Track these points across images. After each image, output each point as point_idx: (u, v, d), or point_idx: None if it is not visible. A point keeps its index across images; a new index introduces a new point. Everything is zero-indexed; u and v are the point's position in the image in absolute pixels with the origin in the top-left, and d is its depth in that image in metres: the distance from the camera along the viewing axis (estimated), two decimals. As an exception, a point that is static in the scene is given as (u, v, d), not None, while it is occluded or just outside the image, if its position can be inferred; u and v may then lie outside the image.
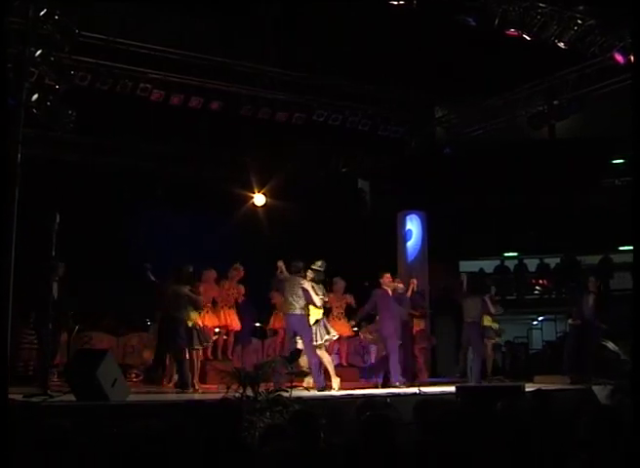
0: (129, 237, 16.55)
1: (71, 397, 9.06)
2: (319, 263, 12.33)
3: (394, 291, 13.81)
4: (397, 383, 12.78)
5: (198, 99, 13.87)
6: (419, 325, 15.55)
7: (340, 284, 15.44)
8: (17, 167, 8.05)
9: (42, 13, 9.94)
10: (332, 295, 15.39)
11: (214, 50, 13.79)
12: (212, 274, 13.87)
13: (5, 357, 5.14)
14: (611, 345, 11.82)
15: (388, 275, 13.91)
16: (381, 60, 13.88)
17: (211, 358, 14.00)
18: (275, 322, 15.14)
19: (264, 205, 18.39)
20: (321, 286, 12.34)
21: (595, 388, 11.54)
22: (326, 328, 12.19)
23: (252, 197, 18.33)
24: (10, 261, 5.10)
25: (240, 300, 14.36)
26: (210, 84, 13.96)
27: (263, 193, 18.29)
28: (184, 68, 13.65)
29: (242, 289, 14.35)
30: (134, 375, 14.35)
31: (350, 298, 15.43)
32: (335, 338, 12.78)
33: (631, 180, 5.47)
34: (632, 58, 11.13)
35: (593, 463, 3.95)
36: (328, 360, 12.19)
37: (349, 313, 15.55)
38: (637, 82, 7.83)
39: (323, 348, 12.09)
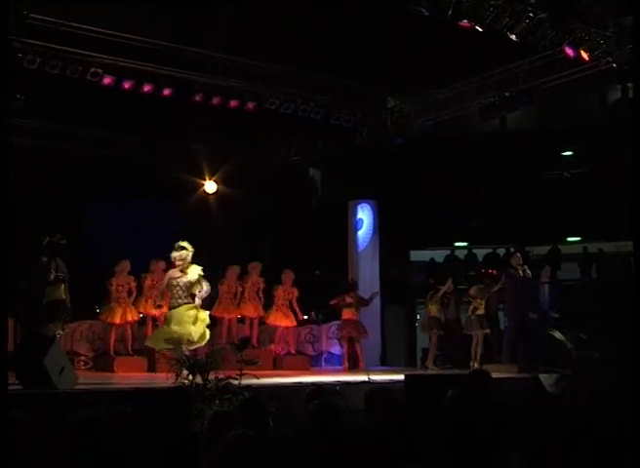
0: (79, 224, 16.37)
1: (17, 385, 8.96)
2: (58, 236, 11.55)
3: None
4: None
5: (150, 85, 13.75)
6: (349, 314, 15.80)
7: (288, 275, 15.54)
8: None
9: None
10: (280, 287, 15.50)
11: (166, 36, 13.65)
12: (161, 265, 13.87)
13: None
14: (557, 334, 11.99)
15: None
16: (334, 49, 13.88)
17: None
18: (217, 310, 15.13)
19: (216, 192, 18.33)
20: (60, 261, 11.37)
21: (542, 377, 11.71)
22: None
23: (203, 184, 18.26)
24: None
25: None
26: (162, 70, 13.82)
27: (215, 181, 18.23)
28: (136, 54, 13.47)
29: None
30: (82, 363, 14.24)
31: (296, 292, 15.53)
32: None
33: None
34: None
35: (537, 451, 4.01)
36: None
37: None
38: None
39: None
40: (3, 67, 5.82)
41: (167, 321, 11.39)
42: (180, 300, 11.19)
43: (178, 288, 11.23)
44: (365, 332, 15.80)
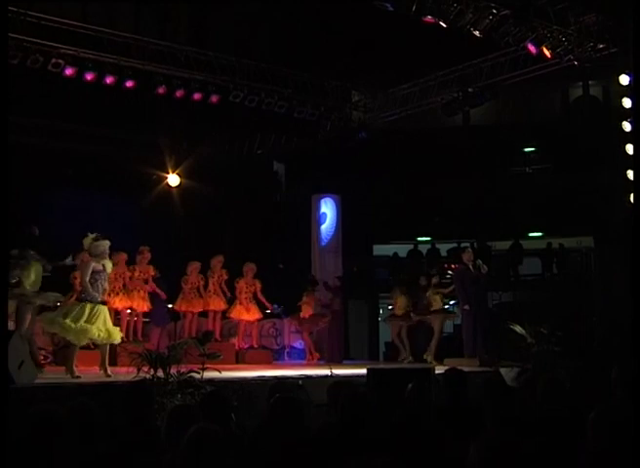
0: (40, 217, 16.17)
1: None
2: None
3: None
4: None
5: (112, 77, 13.63)
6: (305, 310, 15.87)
7: (250, 268, 15.49)
8: None
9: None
10: (242, 280, 15.46)
11: (129, 27, 13.55)
12: (122, 257, 13.76)
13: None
14: (518, 329, 12.12)
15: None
16: (299, 43, 13.88)
17: (125, 340, 13.86)
18: (181, 305, 15.05)
19: (179, 185, 18.22)
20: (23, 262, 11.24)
21: (502, 370, 11.80)
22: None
23: (166, 177, 18.13)
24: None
25: (150, 279, 14.33)
26: (125, 62, 13.71)
27: (178, 174, 18.12)
28: (99, 45, 13.36)
29: (151, 269, 14.33)
30: (42, 357, 14.08)
31: (259, 284, 15.49)
32: None
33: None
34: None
35: (496, 444, 4.04)
36: None
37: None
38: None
39: None
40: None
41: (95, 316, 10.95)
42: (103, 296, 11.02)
43: (103, 281, 10.99)
44: (318, 324, 15.87)
